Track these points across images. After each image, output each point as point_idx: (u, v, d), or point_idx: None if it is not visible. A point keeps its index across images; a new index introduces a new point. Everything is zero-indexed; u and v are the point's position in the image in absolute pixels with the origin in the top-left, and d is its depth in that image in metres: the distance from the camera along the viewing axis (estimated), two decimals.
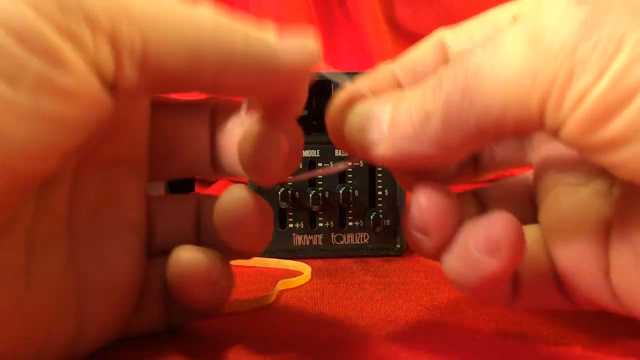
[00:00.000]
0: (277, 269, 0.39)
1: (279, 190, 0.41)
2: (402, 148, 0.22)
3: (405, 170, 0.25)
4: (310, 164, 0.42)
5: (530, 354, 0.26)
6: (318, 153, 0.41)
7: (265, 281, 0.37)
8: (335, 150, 0.42)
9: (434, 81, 0.22)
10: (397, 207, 0.42)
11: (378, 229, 0.42)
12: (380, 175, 0.41)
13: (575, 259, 0.24)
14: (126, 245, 0.26)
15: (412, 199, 0.24)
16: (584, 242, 0.24)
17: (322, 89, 0.42)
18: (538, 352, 0.26)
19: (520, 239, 0.22)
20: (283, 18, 0.81)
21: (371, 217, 0.41)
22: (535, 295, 0.25)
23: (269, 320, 0.30)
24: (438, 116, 0.21)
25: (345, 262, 0.41)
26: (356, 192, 0.41)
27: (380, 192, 0.42)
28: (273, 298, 0.33)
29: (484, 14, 0.26)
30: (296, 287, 0.35)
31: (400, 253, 0.42)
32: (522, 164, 0.29)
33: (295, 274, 0.38)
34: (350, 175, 0.41)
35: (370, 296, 0.33)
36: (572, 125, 0.19)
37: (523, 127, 0.20)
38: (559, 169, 0.25)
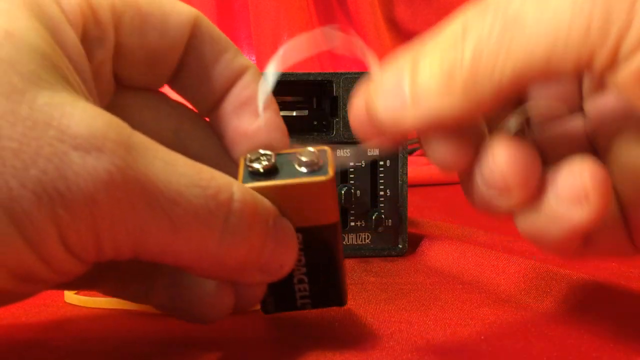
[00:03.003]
0: None
1: None
2: (429, 109, 0.21)
3: (437, 139, 0.23)
4: None
5: (534, 352, 0.26)
6: None
7: None
8: (337, 150, 0.41)
9: (453, 31, 0.21)
10: (399, 208, 0.42)
11: (380, 229, 0.42)
12: (382, 175, 0.41)
13: None
14: None
15: (488, 154, 0.22)
16: None
17: (322, 89, 0.42)
18: (544, 351, 0.26)
19: (608, 185, 0.21)
20: (283, 18, 0.81)
21: (373, 218, 0.41)
22: (605, 243, 0.24)
23: (271, 320, 0.30)
24: (466, 65, 0.20)
25: (347, 263, 0.41)
26: (358, 192, 0.41)
27: (382, 193, 0.42)
28: None
29: None
30: None
31: (402, 253, 0.42)
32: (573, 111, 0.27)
33: None
34: (352, 176, 0.41)
35: (372, 296, 0.33)
36: (625, 73, 0.19)
37: (566, 73, 0.19)
38: (621, 114, 0.24)
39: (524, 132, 0.27)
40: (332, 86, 0.41)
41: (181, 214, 0.20)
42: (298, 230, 0.24)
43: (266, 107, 0.26)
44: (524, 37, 0.19)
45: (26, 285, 0.20)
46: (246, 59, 0.27)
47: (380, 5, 0.82)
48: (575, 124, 0.26)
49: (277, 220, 0.23)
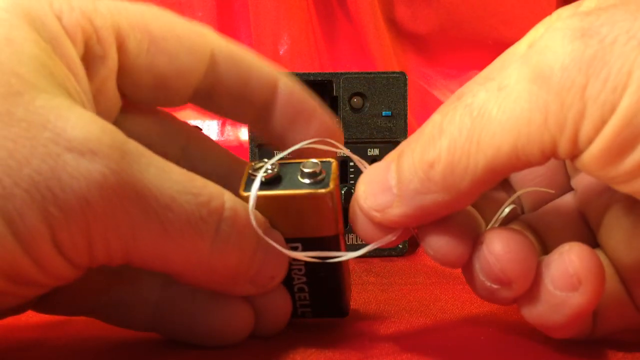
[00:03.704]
0: None
1: None
2: (414, 203, 0.22)
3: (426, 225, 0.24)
4: None
5: (535, 352, 0.26)
6: None
7: None
8: (337, 151, 0.41)
9: (431, 129, 0.22)
10: None
11: None
12: None
13: None
14: None
15: (484, 247, 0.22)
16: None
17: (322, 89, 0.42)
18: (542, 350, 0.26)
19: (599, 267, 0.22)
20: (283, 18, 0.81)
21: None
22: (613, 319, 0.25)
23: None
24: (442, 161, 0.21)
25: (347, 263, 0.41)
26: None
27: None
28: None
29: (501, 57, 0.25)
30: None
31: (402, 253, 0.42)
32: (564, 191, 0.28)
33: None
34: (352, 175, 0.41)
35: (372, 296, 0.33)
36: (588, 158, 0.19)
37: (535, 162, 0.20)
38: (606, 188, 0.25)
39: (518, 218, 0.28)
40: (332, 86, 0.41)
41: (173, 219, 0.21)
42: (297, 240, 0.24)
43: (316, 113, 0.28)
44: (490, 132, 0.20)
45: (18, 288, 0.20)
46: (271, 70, 0.27)
47: (380, 5, 0.82)
48: (566, 203, 0.27)
49: (267, 232, 0.24)
